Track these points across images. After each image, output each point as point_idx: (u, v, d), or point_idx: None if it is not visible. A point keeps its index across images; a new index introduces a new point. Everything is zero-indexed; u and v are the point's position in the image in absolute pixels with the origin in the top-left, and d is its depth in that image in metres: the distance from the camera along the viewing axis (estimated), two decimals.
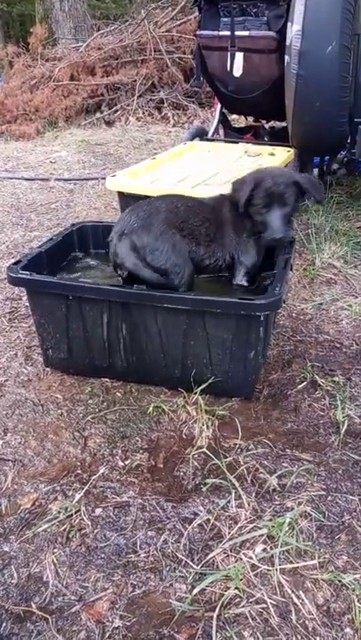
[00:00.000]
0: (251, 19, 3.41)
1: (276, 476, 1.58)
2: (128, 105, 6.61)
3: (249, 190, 1.93)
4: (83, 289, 1.85)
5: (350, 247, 2.96)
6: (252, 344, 1.80)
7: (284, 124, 3.64)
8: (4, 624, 1.23)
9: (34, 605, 1.27)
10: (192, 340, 1.83)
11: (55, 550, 1.39)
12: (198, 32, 3.65)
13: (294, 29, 2.79)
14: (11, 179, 4.46)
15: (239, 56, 3.41)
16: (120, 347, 1.92)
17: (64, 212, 3.75)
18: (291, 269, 2.07)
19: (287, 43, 2.98)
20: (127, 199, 2.63)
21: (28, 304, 2.41)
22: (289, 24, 2.98)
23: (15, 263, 1.94)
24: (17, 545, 1.41)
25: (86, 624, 1.23)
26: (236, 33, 3.38)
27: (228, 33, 3.42)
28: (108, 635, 1.21)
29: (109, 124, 6.48)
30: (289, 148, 3.19)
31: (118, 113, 6.60)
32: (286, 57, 3.00)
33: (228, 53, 3.43)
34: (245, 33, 3.38)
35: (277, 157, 3.06)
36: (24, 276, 1.88)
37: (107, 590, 1.30)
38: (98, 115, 6.65)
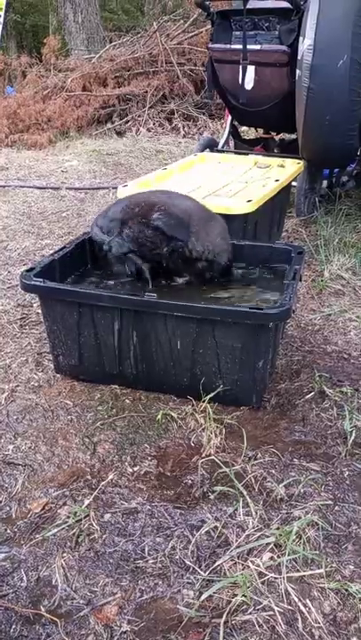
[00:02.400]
0: (262, 33, 3.46)
1: (283, 485, 1.59)
2: (139, 116, 6.68)
3: None
4: (95, 296, 1.88)
5: (359, 259, 2.98)
6: (261, 353, 1.82)
7: (293, 136, 3.67)
8: (14, 626, 1.25)
9: (43, 609, 1.29)
10: (201, 348, 1.85)
11: (64, 554, 1.41)
12: (210, 45, 3.71)
13: (306, 44, 2.83)
14: (22, 187, 4.51)
15: (251, 69, 3.45)
16: (130, 354, 1.94)
17: (75, 221, 3.79)
18: (300, 280, 2.09)
19: (299, 57, 3.03)
20: None
21: (38, 311, 2.45)
22: (300, 38, 3.02)
23: (28, 270, 1.97)
24: (26, 549, 1.43)
25: (95, 628, 1.24)
26: (248, 46, 3.43)
27: (239, 46, 3.46)
28: (116, 639, 1.22)
29: (120, 134, 6.54)
30: (299, 160, 3.21)
31: (129, 123, 6.66)
32: (298, 71, 3.04)
33: (240, 66, 3.48)
34: (257, 47, 3.42)
35: (287, 169, 3.09)
36: (37, 282, 1.90)
37: (115, 595, 1.31)
38: (109, 125, 6.71)
